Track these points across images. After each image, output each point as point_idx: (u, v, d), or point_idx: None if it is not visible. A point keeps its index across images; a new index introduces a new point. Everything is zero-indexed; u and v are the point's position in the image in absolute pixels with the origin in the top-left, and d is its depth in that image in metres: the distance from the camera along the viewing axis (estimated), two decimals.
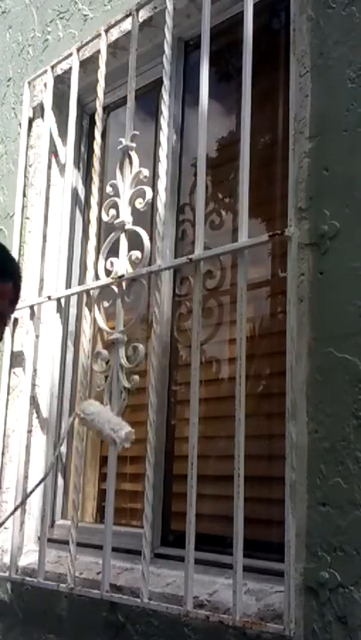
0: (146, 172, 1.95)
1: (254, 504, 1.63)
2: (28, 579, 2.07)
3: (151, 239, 1.91)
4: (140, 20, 2.11)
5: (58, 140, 2.50)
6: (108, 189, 2.03)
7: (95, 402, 1.53)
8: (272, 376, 1.81)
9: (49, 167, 2.43)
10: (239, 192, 1.64)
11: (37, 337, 2.34)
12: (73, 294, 2.18)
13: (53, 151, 2.48)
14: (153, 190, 1.92)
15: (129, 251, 1.95)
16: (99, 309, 2.01)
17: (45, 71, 2.45)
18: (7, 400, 2.35)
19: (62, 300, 2.21)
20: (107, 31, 2.19)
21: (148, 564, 1.70)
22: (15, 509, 1.33)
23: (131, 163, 1.99)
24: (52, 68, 2.42)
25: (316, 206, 1.48)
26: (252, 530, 1.55)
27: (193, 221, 1.93)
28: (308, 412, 1.43)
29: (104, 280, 1.99)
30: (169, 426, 2.00)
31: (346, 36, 1.50)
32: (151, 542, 1.78)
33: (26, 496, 1.37)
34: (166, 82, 1.92)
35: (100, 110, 2.17)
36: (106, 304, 2.00)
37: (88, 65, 2.33)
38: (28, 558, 2.20)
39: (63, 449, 2.34)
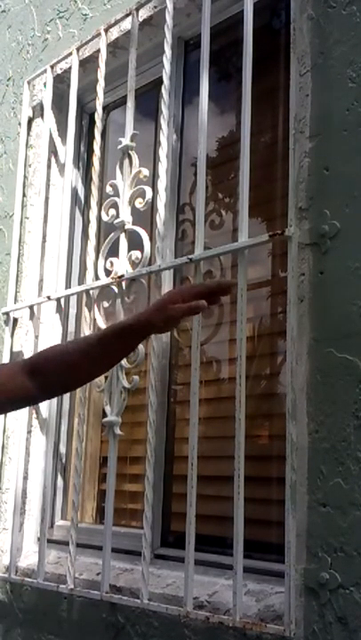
0: (146, 171, 1.95)
1: (254, 505, 1.62)
2: (27, 580, 2.06)
3: (151, 239, 1.91)
4: (140, 20, 2.11)
5: (57, 140, 2.50)
6: (108, 189, 2.03)
7: None
8: (272, 376, 1.81)
9: (48, 167, 2.43)
10: (239, 192, 1.63)
11: (37, 337, 2.33)
12: (73, 294, 2.17)
13: (53, 150, 2.48)
14: (153, 190, 1.91)
15: (129, 251, 1.94)
16: (98, 309, 2.01)
17: (45, 70, 2.44)
18: None
19: (62, 301, 2.21)
20: (106, 30, 2.19)
21: (148, 564, 1.70)
22: None
23: (130, 162, 1.98)
24: (52, 67, 2.41)
25: (317, 206, 1.48)
26: (252, 530, 1.55)
27: (193, 221, 1.93)
28: (309, 413, 1.42)
29: (104, 280, 1.98)
30: (169, 426, 2.00)
31: (346, 36, 1.49)
32: (151, 543, 1.77)
33: None
34: (166, 81, 1.91)
35: (99, 110, 2.17)
36: (106, 304, 2.00)
37: (88, 64, 2.33)
38: (28, 559, 2.19)
39: (63, 449, 2.34)
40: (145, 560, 1.69)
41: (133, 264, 1.92)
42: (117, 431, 1.86)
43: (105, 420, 1.88)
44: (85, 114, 2.55)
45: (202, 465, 1.64)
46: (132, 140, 1.99)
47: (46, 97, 2.41)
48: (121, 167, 2.00)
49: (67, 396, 2.37)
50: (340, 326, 1.40)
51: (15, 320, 2.38)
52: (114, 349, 1.34)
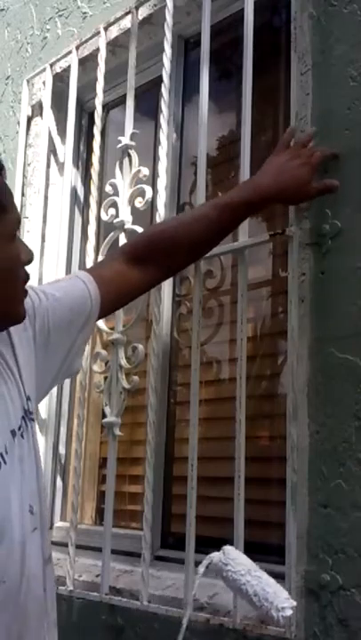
0: (145, 170, 1.94)
1: (255, 506, 1.62)
2: None
3: None
4: (140, 18, 2.10)
5: (57, 139, 2.49)
6: (108, 188, 2.02)
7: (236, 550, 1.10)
8: (273, 377, 1.80)
9: (48, 166, 2.42)
10: None
11: None
12: None
13: (52, 150, 2.47)
14: (153, 189, 1.90)
15: None
16: None
17: (44, 69, 2.43)
18: None
19: None
20: (106, 29, 2.18)
21: (148, 566, 1.69)
22: None
23: (130, 161, 1.97)
24: (51, 66, 2.40)
25: (318, 205, 1.47)
26: (252, 532, 1.54)
27: None
28: (310, 414, 1.42)
29: None
30: (169, 427, 1.99)
31: (347, 34, 1.48)
32: (151, 544, 1.77)
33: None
34: (166, 80, 1.90)
35: (99, 109, 2.16)
36: None
37: (87, 63, 2.32)
38: None
39: (62, 450, 2.33)
40: (145, 561, 1.68)
41: None
42: (117, 432, 1.85)
43: (104, 420, 1.88)
44: (85, 113, 2.54)
45: (202, 466, 1.63)
46: (131, 139, 1.98)
47: (45, 96, 2.40)
48: (121, 166, 1.99)
49: (66, 397, 2.36)
50: (341, 326, 1.39)
51: None
52: (227, 225, 1.34)
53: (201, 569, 1.05)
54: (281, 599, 1.01)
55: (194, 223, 1.34)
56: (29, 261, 1.05)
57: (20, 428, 1.03)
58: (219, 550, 1.09)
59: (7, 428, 1.02)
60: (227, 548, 1.07)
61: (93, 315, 1.23)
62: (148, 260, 1.28)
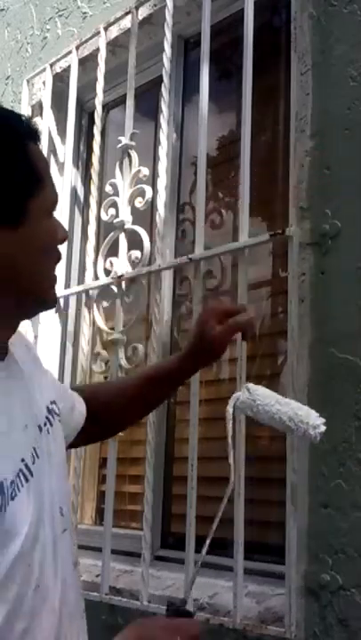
0: (145, 170, 1.94)
1: (255, 506, 1.62)
2: None
3: (151, 239, 1.90)
4: (140, 18, 2.10)
5: (57, 139, 2.49)
6: (108, 188, 2.02)
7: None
8: (273, 377, 1.80)
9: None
10: (240, 191, 1.63)
11: (36, 337, 2.32)
12: (72, 294, 2.16)
13: (52, 150, 2.47)
14: (153, 189, 1.90)
15: (128, 250, 1.94)
16: (98, 309, 2.00)
17: (44, 69, 2.43)
18: None
19: (61, 301, 2.20)
20: (106, 29, 2.18)
21: (148, 566, 1.69)
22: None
23: (130, 161, 1.97)
24: (51, 66, 2.40)
25: (318, 205, 1.47)
26: (252, 532, 1.54)
27: (193, 221, 1.92)
28: None
29: (103, 280, 1.97)
30: (169, 427, 1.99)
31: (347, 34, 1.48)
32: (151, 544, 1.77)
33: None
34: (166, 80, 1.90)
35: (99, 108, 2.16)
36: (105, 304, 1.99)
37: (87, 63, 2.32)
38: None
39: None
40: (145, 561, 1.68)
41: (133, 264, 1.91)
42: None
43: None
44: (85, 113, 2.54)
45: (202, 466, 1.63)
46: (131, 139, 1.98)
47: (45, 96, 2.40)
48: (121, 166, 1.99)
49: None
50: (341, 326, 1.39)
51: None
52: (163, 393, 1.30)
53: (230, 409, 1.03)
54: (313, 417, 1.00)
55: (126, 397, 1.27)
56: (64, 239, 1.02)
57: (45, 424, 1.01)
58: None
59: (35, 423, 1.00)
60: (249, 385, 1.04)
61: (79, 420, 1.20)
62: (106, 420, 1.25)
